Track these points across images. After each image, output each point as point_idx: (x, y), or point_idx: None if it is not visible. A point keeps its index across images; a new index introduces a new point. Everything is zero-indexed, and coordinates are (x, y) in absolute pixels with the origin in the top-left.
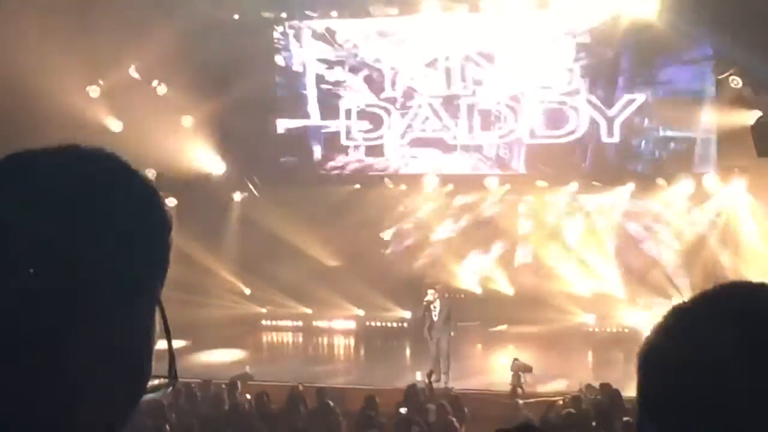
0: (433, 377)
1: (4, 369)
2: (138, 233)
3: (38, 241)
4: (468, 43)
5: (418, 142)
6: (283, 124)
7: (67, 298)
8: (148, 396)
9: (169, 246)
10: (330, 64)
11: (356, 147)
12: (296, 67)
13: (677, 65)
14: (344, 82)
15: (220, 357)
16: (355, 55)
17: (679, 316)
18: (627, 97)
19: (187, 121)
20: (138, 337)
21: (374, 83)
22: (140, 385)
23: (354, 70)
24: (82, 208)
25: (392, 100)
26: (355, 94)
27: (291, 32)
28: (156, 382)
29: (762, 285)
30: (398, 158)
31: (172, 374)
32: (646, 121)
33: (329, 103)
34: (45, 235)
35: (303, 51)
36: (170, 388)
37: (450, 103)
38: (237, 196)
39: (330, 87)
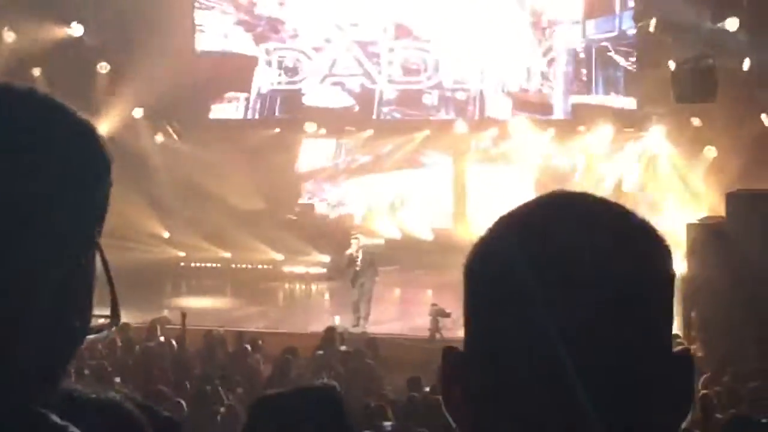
0: (352, 322)
1: None
2: (77, 174)
3: None
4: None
5: (338, 87)
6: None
7: (4, 244)
8: (92, 336)
9: (109, 186)
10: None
11: (276, 92)
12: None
13: (599, 14)
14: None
15: (139, 301)
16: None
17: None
18: (546, 44)
19: (104, 67)
20: (79, 281)
21: (293, 33)
22: (82, 328)
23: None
24: (17, 148)
25: (311, 46)
26: (274, 41)
27: None
28: (99, 321)
29: (577, 196)
30: (318, 103)
31: (115, 314)
32: (566, 67)
33: (249, 49)
34: None
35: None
36: (113, 328)
37: (371, 48)
38: (158, 139)
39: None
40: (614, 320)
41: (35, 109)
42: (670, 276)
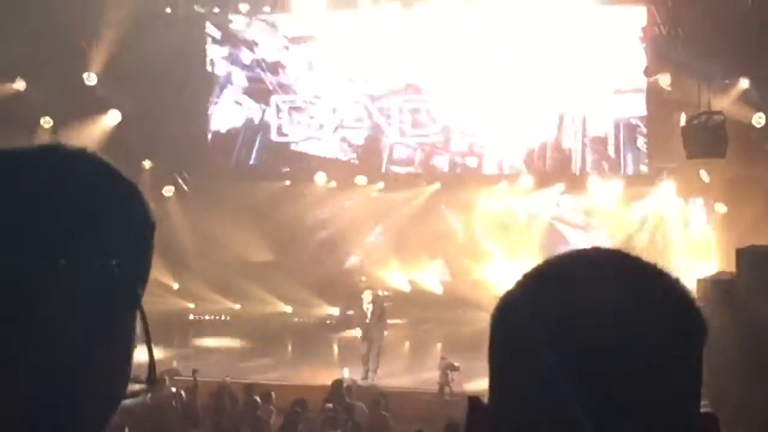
0: (361, 374)
1: None
2: (120, 236)
3: (18, 244)
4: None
5: (348, 140)
6: (214, 122)
7: (47, 304)
8: (127, 401)
9: (151, 248)
10: (256, 63)
11: (286, 144)
12: (223, 65)
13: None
14: (271, 80)
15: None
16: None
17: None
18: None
19: (115, 115)
20: (119, 343)
21: (303, 83)
22: (120, 391)
23: (278, 68)
24: (65, 210)
25: (322, 98)
26: (284, 92)
27: (219, 32)
28: (135, 387)
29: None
30: (327, 156)
31: (151, 380)
32: (578, 121)
33: (259, 100)
34: (26, 238)
35: (232, 49)
36: (149, 394)
37: (381, 101)
38: (167, 192)
39: (258, 85)
40: (635, 386)
41: (83, 169)
42: (699, 342)
